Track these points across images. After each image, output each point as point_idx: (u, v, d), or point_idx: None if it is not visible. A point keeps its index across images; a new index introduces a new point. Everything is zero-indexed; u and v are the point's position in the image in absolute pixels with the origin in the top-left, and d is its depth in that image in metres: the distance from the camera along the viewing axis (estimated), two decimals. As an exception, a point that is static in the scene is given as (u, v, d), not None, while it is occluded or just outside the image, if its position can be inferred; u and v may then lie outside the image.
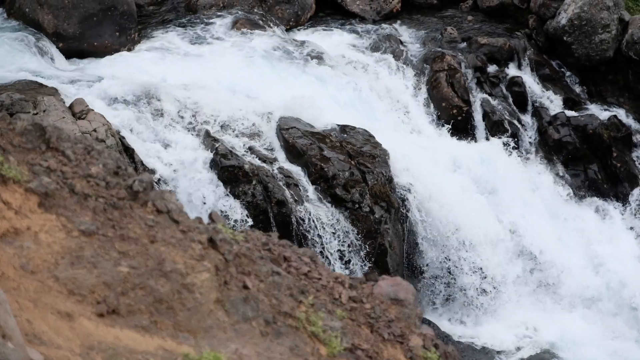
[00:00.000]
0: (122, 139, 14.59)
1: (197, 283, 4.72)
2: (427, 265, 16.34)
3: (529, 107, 18.84)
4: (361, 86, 17.75)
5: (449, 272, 16.39)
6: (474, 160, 17.41)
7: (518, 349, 16.19)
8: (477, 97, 18.44)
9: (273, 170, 15.21)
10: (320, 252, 14.87)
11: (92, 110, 14.65)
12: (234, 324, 4.80)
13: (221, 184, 14.88)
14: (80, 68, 16.78)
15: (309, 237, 14.96)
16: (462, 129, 18.04)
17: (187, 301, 4.68)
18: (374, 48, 18.66)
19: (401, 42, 19.00)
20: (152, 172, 14.52)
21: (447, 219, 16.30)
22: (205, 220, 5.24)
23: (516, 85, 18.87)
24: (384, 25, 19.46)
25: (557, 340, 16.41)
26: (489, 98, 18.53)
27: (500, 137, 18.15)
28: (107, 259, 4.63)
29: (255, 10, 19.11)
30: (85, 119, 14.39)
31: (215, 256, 4.90)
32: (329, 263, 14.92)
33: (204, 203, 14.75)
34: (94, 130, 14.19)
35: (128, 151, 14.51)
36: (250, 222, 14.66)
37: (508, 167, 17.79)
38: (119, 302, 4.55)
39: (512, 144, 18.15)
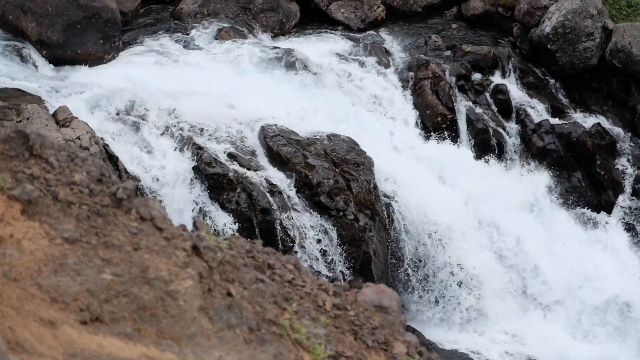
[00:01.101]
0: (105, 146, 14.56)
1: (181, 290, 4.71)
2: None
3: (513, 115, 18.87)
4: (345, 94, 17.75)
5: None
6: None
7: (503, 356, 16.18)
8: (462, 105, 18.47)
9: (258, 178, 15.19)
10: (304, 259, 14.86)
11: (76, 118, 14.62)
12: (218, 331, 4.79)
13: (206, 191, 14.86)
14: (64, 76, 16.73)
15: (293, 244, 14.94)
16: (447, 136, 18.08)
17: (170, 308, 4.67)
18: (359, 56, 18.68)
19: (386, 50, 19.02)
20: (136, 179, 14.49)
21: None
22: (190, 227, 5.23)
23: (500, 93, 18.90)
24: (368, 33, 19.48)
25: (543, 350, 16.41)
26: (473, 106, 18.56)
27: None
28: (91, 267, 4.61)
29: (240, 18, 19.11)
30: (69, 127, 14.35)
31: (199, 263, 4.89)
32: (313, 270, 14.90)
33: (189, 210, 14.72)
34: (78, 137, 14.15)
35: (112, 159, 14.48)
36: (234, 229, 14.64)
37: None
38: (102, 309, 4.53)
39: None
